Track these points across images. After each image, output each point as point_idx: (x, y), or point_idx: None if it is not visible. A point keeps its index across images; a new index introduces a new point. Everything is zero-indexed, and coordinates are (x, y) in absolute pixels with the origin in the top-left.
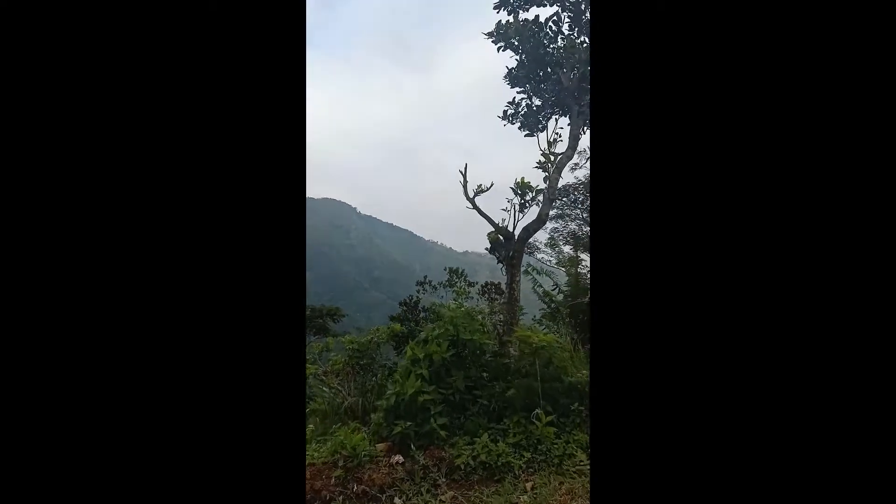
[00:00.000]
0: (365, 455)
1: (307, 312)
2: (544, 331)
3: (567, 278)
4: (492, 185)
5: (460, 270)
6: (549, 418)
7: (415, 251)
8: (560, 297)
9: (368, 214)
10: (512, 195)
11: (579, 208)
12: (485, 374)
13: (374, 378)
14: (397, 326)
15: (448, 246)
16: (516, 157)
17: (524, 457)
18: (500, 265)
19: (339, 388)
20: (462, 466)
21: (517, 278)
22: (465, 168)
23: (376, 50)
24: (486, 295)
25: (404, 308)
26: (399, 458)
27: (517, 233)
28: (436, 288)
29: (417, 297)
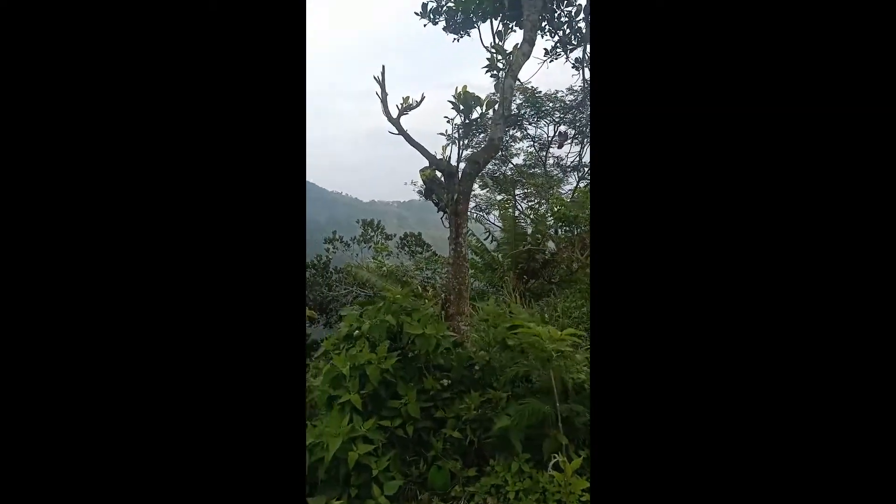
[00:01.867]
0: None
1: None
2: (485, 292)
3: (503, 223)
4: (423, 98)
5: (375, 222)
6: (576, 462)
7: (317, 203)
8: (493, 245)
9: None
10: (450, 115)
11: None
12: (444, 383)
13: None
14: (310, 313)
15: (353, 196)
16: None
17: None
18: (442, 214)
19: None
20: None
21: (464, 229)
22: (383, 73)
23: None
24: (406, 248)
25: (313, 271)
26: None
27: (462, 167)
28: (348, 245)
29: (328, 256)
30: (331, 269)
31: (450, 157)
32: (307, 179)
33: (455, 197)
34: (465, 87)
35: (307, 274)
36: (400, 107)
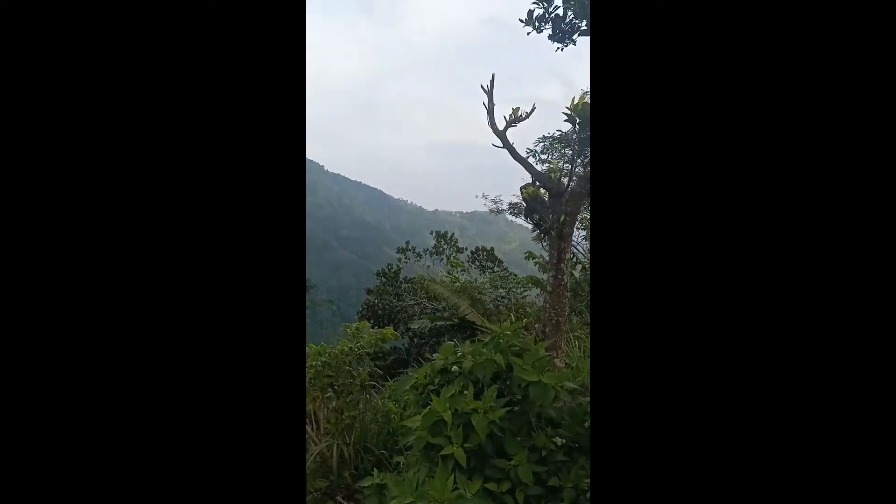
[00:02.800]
0: None
1: None
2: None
3: (591, 245)
4: (534, 108)
5: (449, 234)
6: None
7: (383, 210)
8: (577, 268)
9: (336, 172)
10: (555, 127)
11: None
12: (558, 442)
13: (356, 409)
14: (389, 332)
15: (418, 205)
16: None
17: None
18: (541, 235)
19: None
20: None
21: (567, 254)
22: (492, 81)
23: None
24: (477, 263)
25: (382, 279)
26: None
27: (571, 185)
28: (420, 255)
29: (398, 265)
30: (400, 279)
31: (561, 175)
32: (373, 185)
33: (562, 218)
34: (582, 97)
35: (377, 282)
36: (508, 118)
